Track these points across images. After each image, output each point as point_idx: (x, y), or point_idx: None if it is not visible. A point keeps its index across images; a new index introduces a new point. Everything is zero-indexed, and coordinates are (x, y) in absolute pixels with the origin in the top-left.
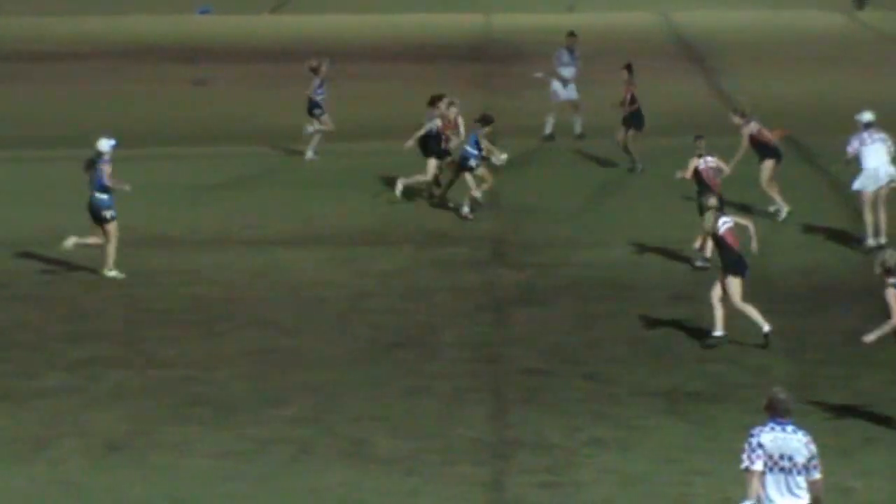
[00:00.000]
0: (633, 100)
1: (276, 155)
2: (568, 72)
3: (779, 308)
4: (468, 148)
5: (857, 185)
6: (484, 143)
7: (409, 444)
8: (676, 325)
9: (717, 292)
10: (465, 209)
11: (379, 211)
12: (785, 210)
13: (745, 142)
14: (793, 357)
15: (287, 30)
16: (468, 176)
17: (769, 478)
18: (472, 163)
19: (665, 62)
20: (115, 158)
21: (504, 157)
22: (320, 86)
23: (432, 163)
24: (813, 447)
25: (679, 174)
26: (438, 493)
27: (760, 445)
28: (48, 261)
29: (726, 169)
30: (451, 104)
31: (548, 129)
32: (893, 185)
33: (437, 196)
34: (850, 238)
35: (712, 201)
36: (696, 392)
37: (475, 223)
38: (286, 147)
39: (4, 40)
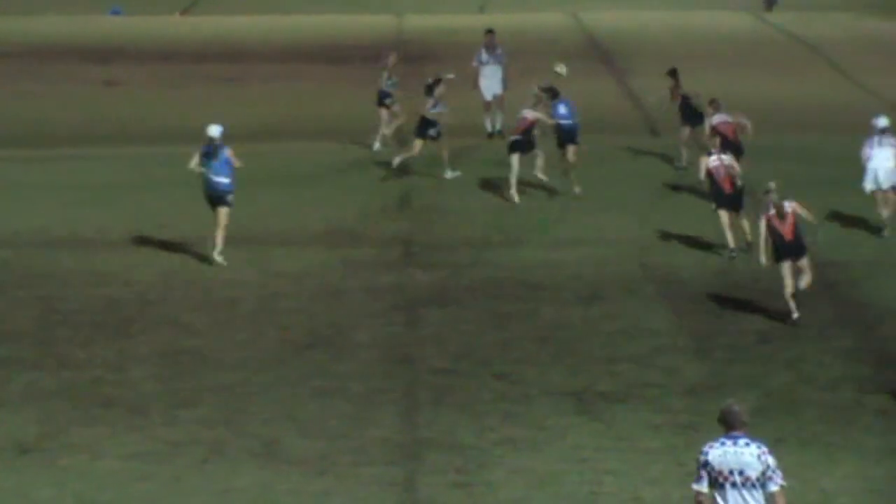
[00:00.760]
0: (685, 99)
1: (187, 155)
2: (490, 70)
3: (689, 308)
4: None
5: (865, 185)
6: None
7: (321, 444)
8: (588, 325)
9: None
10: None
11: (289, 212)
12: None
13: (707, 131)
14: (702, 357)
15: (198, 30)
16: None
17: (726, 494)
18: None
19: (575, 63)
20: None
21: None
22: (389, 77)
23: (418, 143)
24: (767, 458)
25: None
26: (350, 493)
27: (707, 464)
28: None
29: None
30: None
31: (489, 128)
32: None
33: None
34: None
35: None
36: (606, 392)
37: (386, 223)
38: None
39: None
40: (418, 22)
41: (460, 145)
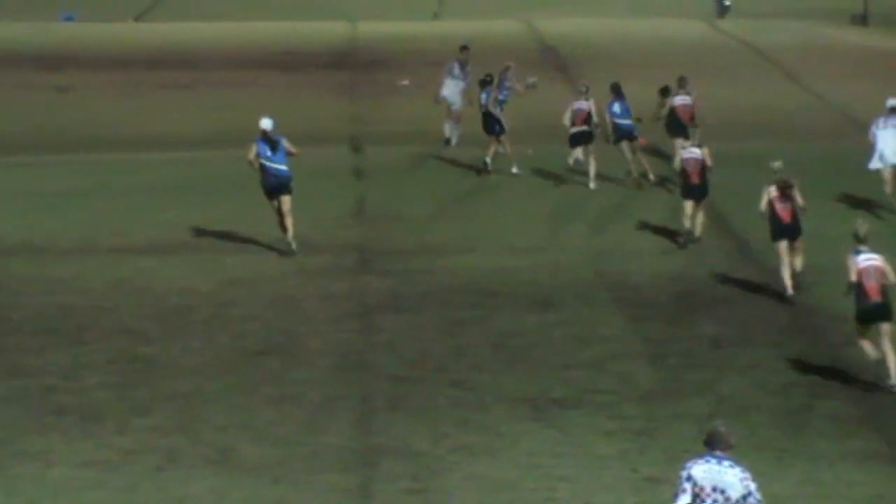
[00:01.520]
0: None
1: (141, 162)
2: (456, 85)
3: (643, 314)
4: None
5: (870, 165)
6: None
7: (276, 451)
8: (542, 331)
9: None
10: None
11: (244, 219)
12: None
13: (664, 111)
14: (656, 363)
15: (152, 37)
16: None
17: None
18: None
19: (529, 70)
20: None
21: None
22: (501, 89)
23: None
24: (750, 484)
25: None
26: (305, 500)
27: (690, 478)
28: None
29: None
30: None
31: (447, 134)
32: None
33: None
34: (711, 244)
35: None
36: (560, 398)
37: (341, 230)
38: (150, 154)
39: None
40: (372, 29)
41: (417, 152)
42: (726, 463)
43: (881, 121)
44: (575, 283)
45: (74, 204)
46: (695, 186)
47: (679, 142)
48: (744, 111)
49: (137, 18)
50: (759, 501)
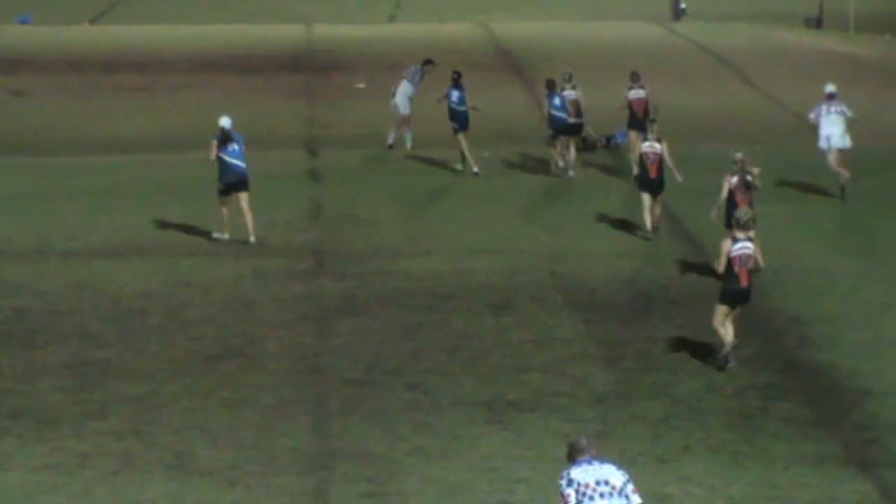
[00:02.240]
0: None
1: (96, 165)
2: (410, 90)
3: (599, 317)
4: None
5: (819, 144)
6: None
7: (231, 455)
8: (498, 334)
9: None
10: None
11: (198, 222)
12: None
13: (623, 102)
14: (612, 366)
15: (107, 40)
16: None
17: None
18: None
19: (486, 73)
20: None
21: None
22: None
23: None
24: (625, 473)
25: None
26: None
27: (571, 482)
28: None
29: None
30: None
31: (391, 140)
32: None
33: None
34: (667, 247)
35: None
36: (516, 401)
37: (296, 233)
38: (105, 157)
39: None
40: (328, 31)
41: (373, 155)
42: (597, 462)
43: (823, 107)
44: (531, 285)
45: (29, 206)
46: (653, 180)
47: (634, 134)
48: (699, 114)
49: (93, 21)
50: (634, 486)
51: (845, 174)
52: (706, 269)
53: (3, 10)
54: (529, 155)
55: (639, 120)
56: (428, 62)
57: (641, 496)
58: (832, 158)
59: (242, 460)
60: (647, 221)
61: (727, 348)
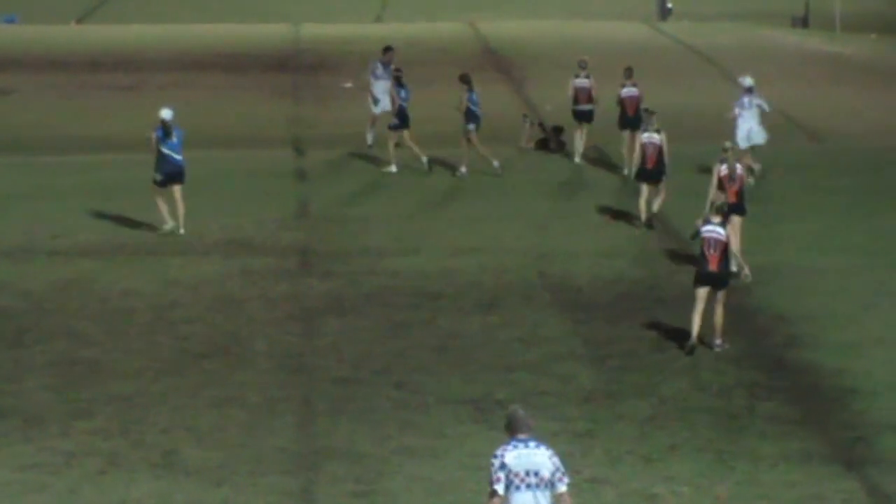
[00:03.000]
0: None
1: (83, 164)
2: (381, 86)
3: (585, 316)
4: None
5: (739, 142)
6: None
7: (219, 454)
8: (485, 333)
9: None
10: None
11: (186, 221)
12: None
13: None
14: (598, 365)
15: (94, 39)
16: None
17: (520, 495)
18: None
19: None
20: None
21: None
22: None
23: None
24: (556, 460)
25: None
26: (248, 503)
27: (504, 466)
28: None
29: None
30: None
31: (370, 141)
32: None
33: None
34: (654, 246)
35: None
36: (503, 400)
37: (283, 232)
38: (92, 156)
39: None
40: (315, 31)
41: (360, 154)
42: (532, 444)
43: (744, 101)
44: (518, 284)
45: (15, 206)
46: (650, 170)
47: (627, 133)
48: (685, 113)
49: (80, 20)
50: (564, 473)
51: (758, 168)
52: (692, 269)
53: None
54: (516, 154)
55: (630, 118)
56: (386, 49)
57: (570, 478)
58: (745, 155)
59: (229, 459)
60: (643, 211)
61: (693, 340)
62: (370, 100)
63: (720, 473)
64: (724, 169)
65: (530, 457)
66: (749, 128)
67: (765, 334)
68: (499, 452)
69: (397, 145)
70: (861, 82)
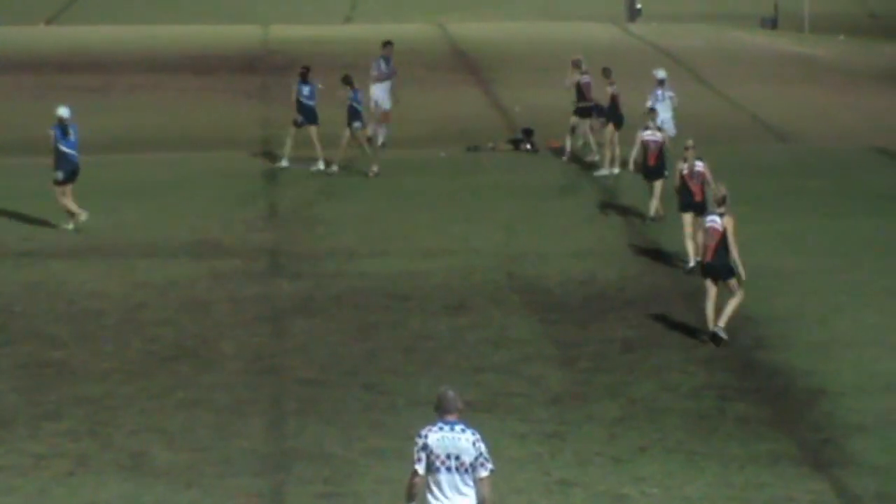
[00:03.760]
0: (614, 99)
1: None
2: (385, 85)
3: (554, 317)
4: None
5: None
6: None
7: (187, 456)
8: (454, 334)
9: None
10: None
11: (154, 222)
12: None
13: (606, 98)
14: (567, 366)
15: (63, 41)
16: None
17: (440, 477)
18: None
19: (442, 73)
20: None
21: None
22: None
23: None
24: (481, 445)
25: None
26: None
27: (426, 447)
28: None
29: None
30: None
31: (380, 139)
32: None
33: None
34: (623, 247)
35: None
36: (472, 401)
37: (252, 233)
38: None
39: None
40: (284, 32)
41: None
42: (458, 427)
43: (659, 93)
44: (487, 286)
45: None
46: (651, 167)
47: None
48: None
49: (49, 22)
50: (487, 459)
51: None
52: (662, 270)
53: None
54: (485, 155)
55: (619, 114)
56: (385, 44)
57: (493, 464)
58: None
59: (198, 461)
60: (651, 208)
61: (710, 325)
62: (371, 102)
63: (690, 474)
64: (685, 167)
65: (453, 440)
66: (661, 119)
67: (734, 336)
68: (423, 432)
69: (358, 144)
70: (830, 83)
